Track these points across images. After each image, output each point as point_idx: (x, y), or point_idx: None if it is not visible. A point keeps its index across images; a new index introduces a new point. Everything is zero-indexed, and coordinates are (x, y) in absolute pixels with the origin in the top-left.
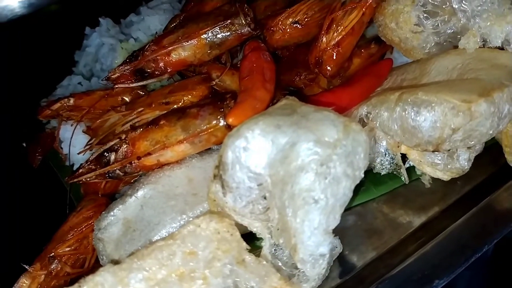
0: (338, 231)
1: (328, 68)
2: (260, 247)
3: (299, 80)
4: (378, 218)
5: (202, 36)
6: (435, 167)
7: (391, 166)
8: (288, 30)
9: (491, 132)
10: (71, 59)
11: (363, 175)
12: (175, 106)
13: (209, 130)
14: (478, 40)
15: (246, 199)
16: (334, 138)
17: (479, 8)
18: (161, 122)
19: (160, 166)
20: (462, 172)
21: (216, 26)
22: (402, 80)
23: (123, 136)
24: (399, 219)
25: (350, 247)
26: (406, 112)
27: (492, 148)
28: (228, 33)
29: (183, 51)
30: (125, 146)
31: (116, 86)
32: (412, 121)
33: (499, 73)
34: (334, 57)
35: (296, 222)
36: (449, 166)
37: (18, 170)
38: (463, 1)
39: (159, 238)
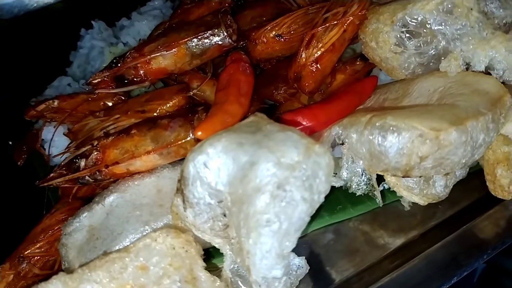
0: (317, 248)
1: (307, 84)
2: None
3: (278, 94)
4: (358, 237)
5: (182, 46)
6: (411, 191)
7: (367, 187)
8: (271, 43)
9: (464, 161)
10: (67, 59)
11: (323, 200)
12: (151, 115)
13: (178, 142)
14: (461, 63)
15: (206, 215)
16: (294, 160)
17: (458, 31)
18: (132, 131)
19: (131, 174)
20: (438, 199)
21: (197, 36)
22: (384, 99)
23: (95, 143)
24: (378, 239)
25: (329, 263)
26: (373, 137)
27: (480, 173)
28: (209, 44)
29: (163, 60)
30: (95, 153)
31: (97, 91)
32: (378, 146)
33: (479, 99)
34: (313, 74)
35: (248, 244)
36: (425, 191)
37: (2, 168)
38: (442, 24)
39: (119, 248)
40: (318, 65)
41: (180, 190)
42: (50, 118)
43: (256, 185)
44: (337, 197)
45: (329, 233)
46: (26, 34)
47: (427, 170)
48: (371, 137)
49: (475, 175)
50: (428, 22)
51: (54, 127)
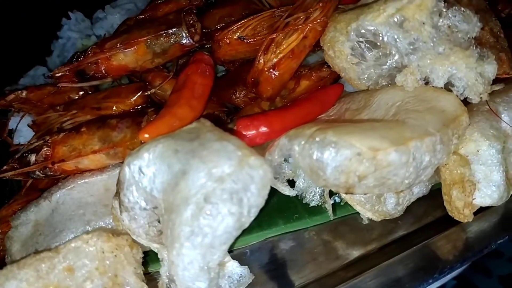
0: (275, 255)
1: (264, 90)
2: None
3: (238, 98)
4: (318, 246)
5: (142, 44)
6: (363, 206)
7: (321, 199)
8: (234, 44)
9: (407, 181)
10: (49, 48)
11: (255, 214)
12: (107, 112)
13: (125, 144)
14: (418, 78)
15: (142, 220)
16: (224, 172)
17: (411, 46)
18: (82, 129)
19: (82, 171)
20: (390, 216)
21: (158, 35)
22: (346, 109)
23: (47, 138)
24: (337, 249)
25: (286, 271)
26: (312, 151)
27: None
28: (170, 43)
29: (124, 57)
30: (45, 148)
31: (59, 85)
32: (316, 161)
33: (431, 118)
34: (271, 80)
35: (172, 254)
36: (376, 207)
37: None
38: (395, 37)
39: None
40: (276, 72)
41: (117, 193)
42: (18, 108)
43: (184, 195)
44: (295, 206)
45: (289, 240)
46: (7, 21)
47: (370, 188)
48: (310, 152)
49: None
50: (381, 34)
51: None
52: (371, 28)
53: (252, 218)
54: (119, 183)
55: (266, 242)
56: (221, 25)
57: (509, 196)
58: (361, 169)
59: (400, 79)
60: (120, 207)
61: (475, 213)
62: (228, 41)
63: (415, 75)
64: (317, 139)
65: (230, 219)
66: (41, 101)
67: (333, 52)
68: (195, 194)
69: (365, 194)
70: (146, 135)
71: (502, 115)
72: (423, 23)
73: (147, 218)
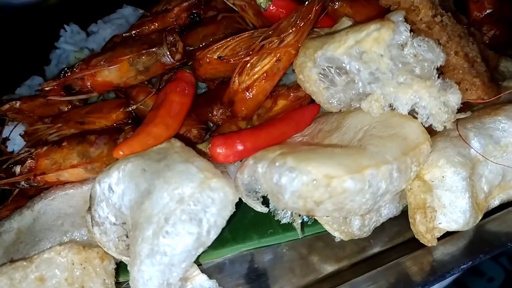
0: (255, 265)
1: (239, 110)
2: None
3: (215, 116)
4: (294, 260)
5: (125, 62)
6: (331, 226)
7: (292, 216)
8: (214, 64)
9: (365, 207)
10: (47, 57)
11: (216, 234)
12: (89, 127)
13: (102, 159)
14: (383, 105)
15: (111, 234)
16: (185, 194)
17: (372, 77)
18: (63, 143)
19: (64, 183)
20: (356, 236)
21: (140, 54)
22: (320, 130)
23: (32, 151)
24: (313, 264)
25: (265, 280)
26: (272, 175)
27: None
28: (151, 62)
29: (109, 74)
30: (29, 160)
31: (47, 98)
32: (276, 185)
33: (392, 146)
34: (245, 101)
35: (133, 270)
36: (342, 228)
37: None
38: (355, 67)
39: None
40: (250, 93)
41: (89, 208)
42: (12, 118)
43: (148, 214)
44: (270, 221)
45: (266, 254)
46: (6, 30)
47: (330, 212)
48: (271, 176)
49: None
50: (343, 63)
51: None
52: (334, 57)
53: (213, 238)
54: (90, 198)
55: (242, 254)
56: (204, 43)
57: (477, 221)
58: (317, 195)
59: (365, 106)
60: (91, 221)
61: (444, 236)
62: (208, 60)
63: (380, 102)
64: (277, 164)
65: (189, 239)
66: (33, 111)
67: (303, 77)
68: (157, 213)
69: (327, 216)
70: (121, 152)
71: (473, 141)
72: (381, 55)
73: (116, 232)
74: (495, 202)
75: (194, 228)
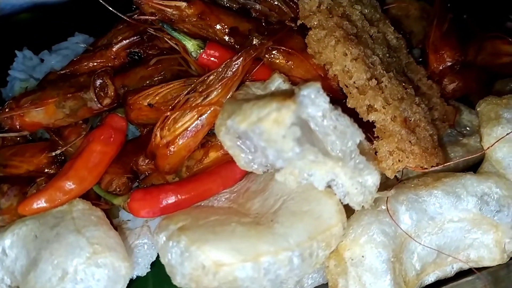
0: None
1: (161, 165)
2: None
3: (141, 166)
4: None
5: (51, 105)
6: None
7: None
8: (144, 110)
9: None
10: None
11: None
12: (12, 171)
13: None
14: (298, 179)
15: None
16: (68, 270)
17: (278, 154)
18: None
19: None
20: None
21: (66, 98)
22: (247, 189)
23: None
24: None
25: None
26: (166, 252)
27: None
28: (77, 106)
29: (37, 115)
30: None
31: None
32: (168, 263)
33: (299, 227)
34: (166, 156)
35: None
36: None
37: None
38: (261, 143)
39: None
40: (172, 148)
41: None
42: None
43: (31, 286)
44: None
45: None
46: None
47: None
48: (166, 252)
49: None
50: (250, 136)
51: None
52: (239, 130)
53: None
54: None
55: None
56: (141, 84)
57: None
58: (206, 281)
59: (280, 178)
60: None
61: None
62: (138, 106)
63: (295, 175)
64: (171, 243)
65: None
66: None
67: (219, 137)
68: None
69: None
70: (24, 209)
71: (404, 216)
72: (283, 136)
73: None
74: (430, 279)
75: None
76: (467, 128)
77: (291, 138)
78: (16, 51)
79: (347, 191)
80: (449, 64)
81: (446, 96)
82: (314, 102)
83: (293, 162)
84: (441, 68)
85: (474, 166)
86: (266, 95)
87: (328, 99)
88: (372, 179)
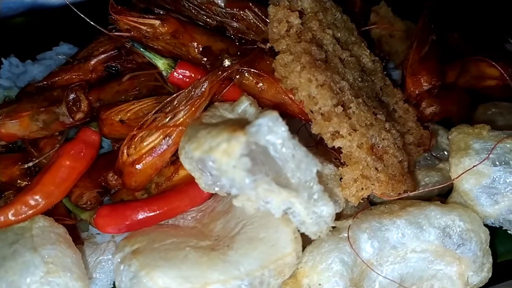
0: None
1: (127, 182)
2: None
3: (110, 182)
4: None
5: (26, 117)
6: None
7: None
8: (116, 126)
9: None
10: None
11: None
12: None
13: None
14: (255, 206)
15: None
16: None
17: (231, 182)
18: None
19: None
20: None
21: (39, 111)
22: (213, 209)
23: None
24: None
25: None
26: (119, 274)
27: None
28: (50, 120)
29: (13, 126)
30: None
31: None
32: (123, 284)
33: (253, 255)
34: (133, 174)
35: None
36: None
37: None
38: (213, 171)
39: None
40: (139, 166)
41: None
42: None
43: None
44: None
45: None
46: None
47: None
48: (119, 273)
49: None
50: (205, 163)
51: None
52: (195, 156)
53: None
54: None
55: None
56: (116, 99)
57: None
58: None
59: (237, 203)
60: None
61: None
62: (110, 122)
63: (252, 202)
64: (122, 266)
65: None
66: None
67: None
68: None
69: None
70: None
71: (366, 244)
72: (234, 167)
73: None
74: None
75: None
76: (445, 152)
77: (241, 169)
78: (3, 59)
79: (303, 220)
80: (425, 88)
81: (424, 120)
82: (272, 130)
83: (246, 191)
84: (417, 92)
85: (449, 192)
86: (221, 123)
87: (287, 127)
88: (327, 210)
